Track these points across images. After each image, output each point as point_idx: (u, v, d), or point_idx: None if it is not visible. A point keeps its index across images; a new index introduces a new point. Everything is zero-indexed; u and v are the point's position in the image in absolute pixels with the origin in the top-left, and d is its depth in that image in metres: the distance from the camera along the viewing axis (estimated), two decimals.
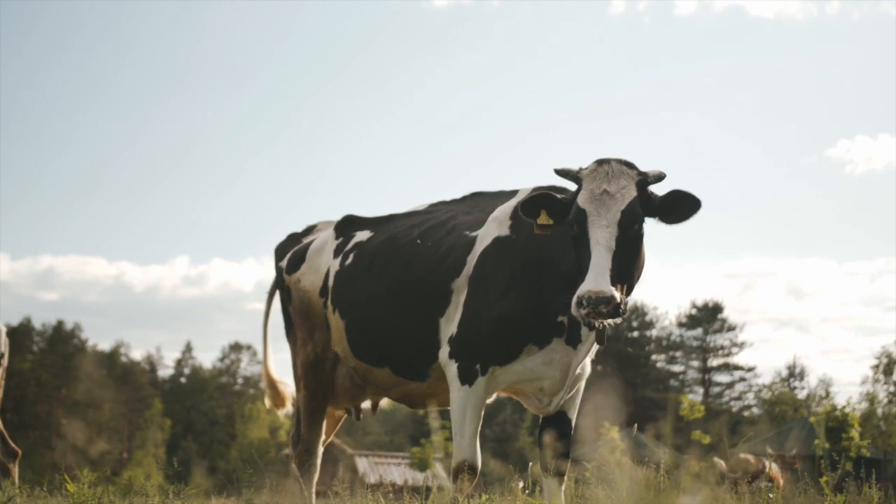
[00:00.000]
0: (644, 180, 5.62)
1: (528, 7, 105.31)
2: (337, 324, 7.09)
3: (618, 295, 5.16)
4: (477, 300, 6.16)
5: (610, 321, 5.26)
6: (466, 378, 6.11)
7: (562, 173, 5.78)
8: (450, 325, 6.33)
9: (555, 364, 6.07)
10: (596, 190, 5.52)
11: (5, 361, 10.73)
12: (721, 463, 13.06)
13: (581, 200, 5.55)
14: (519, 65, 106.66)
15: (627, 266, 5.45)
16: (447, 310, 6.34)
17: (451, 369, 6.20)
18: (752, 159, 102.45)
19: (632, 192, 5.52)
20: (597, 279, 5.20)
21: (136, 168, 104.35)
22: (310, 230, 8.09)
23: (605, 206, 5.47)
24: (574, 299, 5.21)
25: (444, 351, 6.28)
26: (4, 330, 10.73)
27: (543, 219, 5.76)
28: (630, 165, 5.66)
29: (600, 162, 5.68)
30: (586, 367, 6.29)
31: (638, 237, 5.55)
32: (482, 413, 6.19)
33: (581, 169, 5.71)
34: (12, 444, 10.53)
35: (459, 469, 6.08)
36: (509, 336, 6.05)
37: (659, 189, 5.69)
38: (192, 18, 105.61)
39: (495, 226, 6.35)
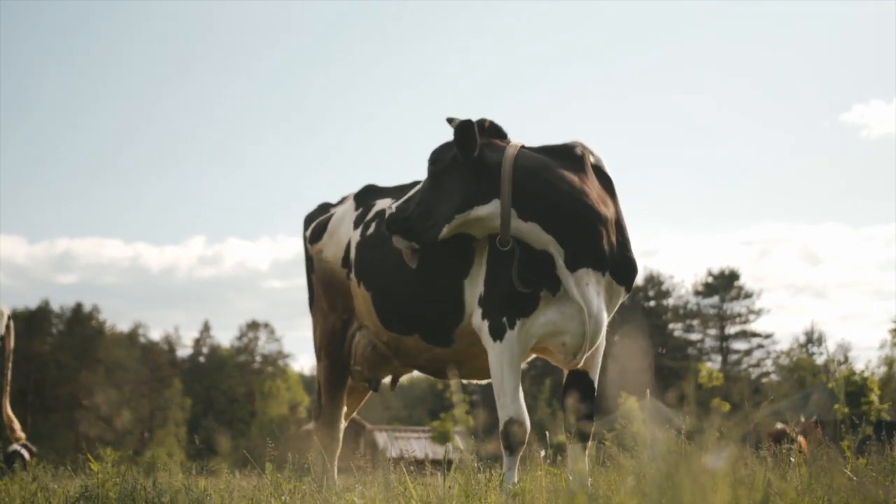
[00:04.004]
0: None
1: None
2: (363, 295, 7.04)
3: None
4: (499, 255, 6.14)
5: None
6: (497, 334, 6.06)
7: None
8: (474, 286, 6.30)
9: (572, 315, 6.03)
10: None
11: (11, 343, 10.68)
12: (783, 426, 13.03)
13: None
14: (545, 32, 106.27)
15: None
16: (471, 270, 6.30)
17: (484, 330, 6.15)
18: (767, 125, 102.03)
19: None
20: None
21: (150, 149, 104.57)
22: (344, 201, 8.01)
23: None
24: None
25: (478, 313, 6.22)
26: (7, 312, 10.68)
27: None
28: None
29: None
30: (604, 327, 6.25)
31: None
32: (520, 369, 6.13)
33: None
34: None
35: (507, 429, 6.00)
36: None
37: None
38: None
39: None
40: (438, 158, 6.22)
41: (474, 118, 6.16)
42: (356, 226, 7.29)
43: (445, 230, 6.08)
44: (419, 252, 6.30)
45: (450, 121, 6.25)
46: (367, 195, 7.50)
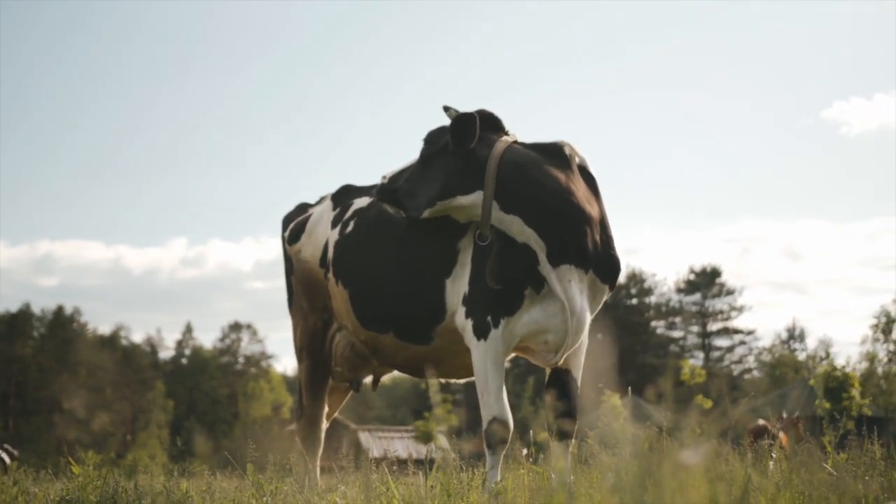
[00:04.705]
0: None
1: None
2: (341, 294, 7.04)
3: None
4: (484, 254, 6.14)
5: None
6: (481, 333, 6.08)
7: None
8: (457, 285, 6.31)
9: (555, 313, 6.05)
10: None
11: None
12: (763, 422, 13.11)
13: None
14: (523, 37, 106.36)
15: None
16: (454, 270, 6.32)
17: (468, 328, 6.16)
18: (748, 123, 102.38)
19: None
20: None
21: (131, 151, 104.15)
22: (322, 201, 8.00)
23: None
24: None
25: (461, 312, 6.23)
26: None
27: None
28: None
29: None
30: (586, 325, 6.26)
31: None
32: (504, 368, 6.14)
33: None
34: None
35: (490, 428, 5.99)
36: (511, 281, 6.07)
37: None
38: None
39: None
40: (432, 140, 6.30)
41: (474, 109, 6.22)
42: (334, 225, 7.29)
43: (427, 213, 6.18)
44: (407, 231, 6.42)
45: (446, 109, 6.30)
46: (344, 195, 7.51)
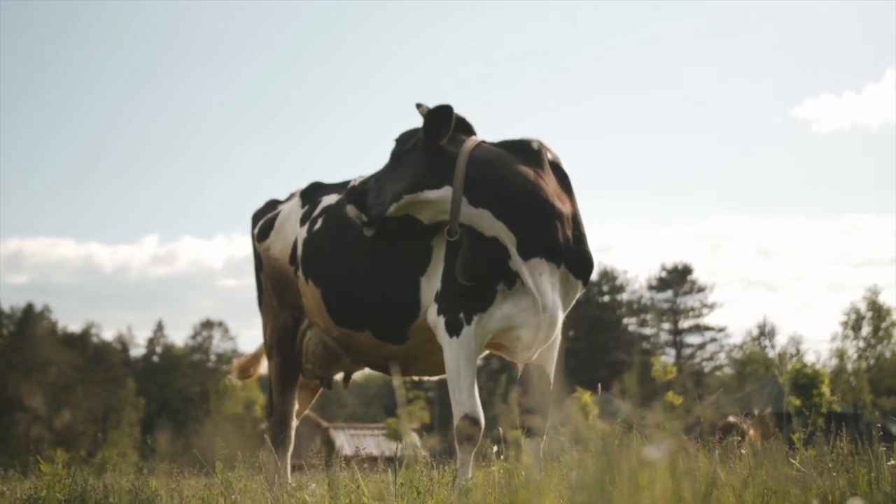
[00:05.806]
0: None
1: None
2: (312, 292, 7.01)
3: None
4: (457, 251, 6.13)
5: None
6: (453, 329, 6.06)
7: None
8: (431, 283, 6.29)
9: (526, 308, 6.04)
10: None
11: None
12: (733, 419, 13.15)
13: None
14: (503, 33, 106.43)
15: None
16: (428, 268, 6.31)
17: (440, 326, 6.14)
18: (719, 121, 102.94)
19: None
20: None
21: (102, 149, 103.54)
22: (291, 198, 7.96)
23: None
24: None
25: (433, 309, 6.22)
26: None
27: None
28: None
29: None
30: (559, 320, 6.25)
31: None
32: (476, 365, 6.12)
33: None
34: None
35: (461, 425, 5.98)
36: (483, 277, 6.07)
37: None
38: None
39: None
40: (404, 140, 6.30)
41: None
42: (302, 223, 7.25)
43: (392, 208, 6.12)
44: (375, 233, 6.33)
45: (418, 106, 6.30)
46: (313, 192, 7.47)
